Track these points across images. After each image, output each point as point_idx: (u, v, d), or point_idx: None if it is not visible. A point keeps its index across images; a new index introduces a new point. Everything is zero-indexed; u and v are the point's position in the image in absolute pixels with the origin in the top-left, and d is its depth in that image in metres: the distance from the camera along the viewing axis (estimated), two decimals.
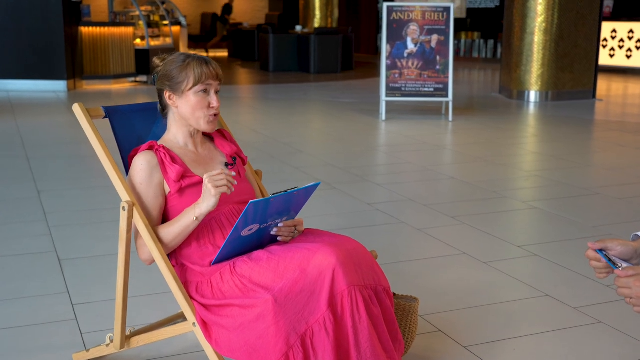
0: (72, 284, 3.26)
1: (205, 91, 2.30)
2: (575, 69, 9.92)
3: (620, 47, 13.98)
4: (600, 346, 2.67)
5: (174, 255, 2.31)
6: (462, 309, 2.99)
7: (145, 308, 3.00)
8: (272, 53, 14.34)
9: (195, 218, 2.13)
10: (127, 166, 2.37)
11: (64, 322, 2.87)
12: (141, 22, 11.76)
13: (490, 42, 17.90)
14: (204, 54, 2.52)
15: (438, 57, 8.09)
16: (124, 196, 2.23)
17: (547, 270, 3.44)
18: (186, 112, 2.30)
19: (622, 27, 13.92)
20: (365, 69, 15.77)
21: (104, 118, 2.40)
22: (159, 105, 2.40)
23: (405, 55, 8.09)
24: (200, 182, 2.27)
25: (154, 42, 11.94)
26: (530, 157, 6.38)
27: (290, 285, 2.01)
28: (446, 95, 8.14)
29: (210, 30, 20.59)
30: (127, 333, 2.42)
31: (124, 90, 11.12)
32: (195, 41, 19.58)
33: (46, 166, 5.72)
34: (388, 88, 8.14)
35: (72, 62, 10.82)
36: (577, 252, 3.70)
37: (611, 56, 14.08)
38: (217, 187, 2.08)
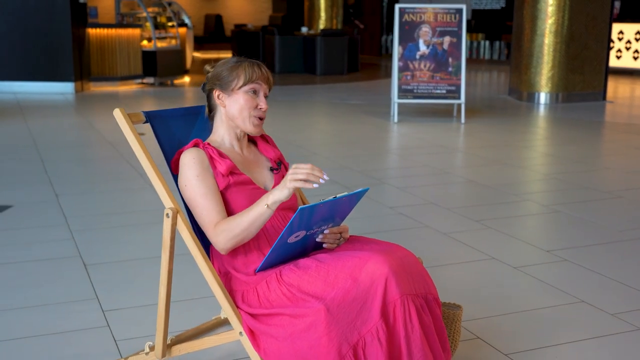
0: (101, 289, 3.22)
1: (255, 92, 2.27)
2: (586, 71, 9.90)
3: (627, 49, 13.96)
4: None
5: (218, 263, 2.26)
6: (498, 316, 2.95)
7: (177, 314, 2.95)
8: (277, 54, 14.30)
9: (267, 206, 2.05)
10: (170, 171, 2.33)
11: (96, 329, 2.83)
12: (148, 24, 11.71)
13: (495, 44, 17.87)
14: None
15: (450, 59, 8.05)
16: (168, 203, 2.19)
17: (579, 276, 3.41)
18: (234, 111, 2.27)
19: (629, 29, 13.90)
20: (371, 70, 15.75)
21: (144, 123, 2.36)
22: (206, 108, 2.37)
23: (417, 57, 8.06)
24: (246, 182, 2.23)
25: (160, 44, 11.89)
26: (546, 159, 6.34)
27: (342, 294, 1.97)
28: (458, 97, 8.10)
29: (214, 31, 20.55)
30: (168, 341, 2.38)
31: (131, 92, 11.07)
32: (199, 42, 19.53)
33: (61, 169, 5.68)
34: (400, 90, 8.10)
35: (79, 64, 10.78)
36: (608, 257, 3.66)
37: (618, 57, 14.05)
38: (294, 179, 1.99)
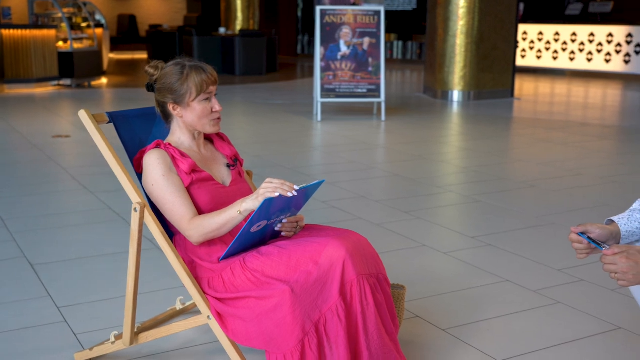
0: (52, 287, 3.29)
1: (207, 98, 2.42)
2: (495, 70, 10.43)
3: (531, 48, 14.72)
4: (562, 323, 2.94)
5: (181, 252, 2.41)
6: (433, 296, 3.21)
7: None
8: (196, 55, 14.30)
9: (239, 212, 2.23)
10: (134, 169, 2.45)
11: (54, 324, 2.91)
12: (64, 25, 11.51)
13: (408, 44, 18.43)
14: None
15: (370, 59, 8.36)
16: (135, 198, 2.32)
17: (502, 258, 3.72)
18: (192, 120, 2.41)
19: (533, 29, 14.67)
20: (289, 70, 15.96)
21: (107, 123, 2.48)
22: (160, 113, 2.48)
23: (339, 57, 8.32)
24: (207, 179, 2.39)
25: (77, 45, 11.71)
26: (462, 153, 6.71)
27: (305, 276, 2.16)
28: (379, 96, 8.42)
29: (128, 31, 20.25)
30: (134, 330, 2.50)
31: (47, 94, 10.87)
32: (112, 43, 19.20)
33: None
34: (323, 89, 8.34)
35: None
36: (527, 240, 4.00)
37: (523, 57, 14.80)
38: (266, 192, 2.16)
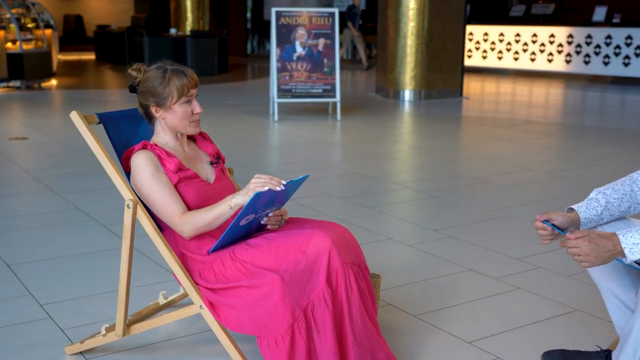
0: (32, 286, 3.35)
1: (188, 101, 2.54)
2: (444, 70, 10.74)
3: (477, 49, 15.14)
4: (524, 307, 3.16)
5: (173, 245, 2.53)
6: (403, 285, 3.40)
7: (112, 304, 3.15)
8: (147, 56, 14.24)
9: (229, 207, 2.36)
10: (122, 168, 2.56)
11: (40, 321, 2.98)
12: (12, 25, 11.35)
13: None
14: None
15: (325, 60, 8.54)
16: (127, 195, 2.43)
17: (464, 249, 3.93)
18: (174, 122, 2.53)
19: (478, 30, 15.09)
20: (240, 71, 16.03)
21: (97, 124, 2.57)
22: (142, 114, 2.59)
23: (295, 58, 8.47)
24: (193, 177, 2.52)
25: (26, 46, 11.56)
26: (416, 151, 6.94)
27: (293, 265, 2.31)
28: (334, 96, 8.61)
29: (74, 32, 19.98)
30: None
31: None
32: (59, 43, 18.91)
33: None
34: (279, 90, 8.48)
35: None
36: (485, 232, 4.23)
37: (469, 57, 15.20)
38: (256, 187, 2.30)
